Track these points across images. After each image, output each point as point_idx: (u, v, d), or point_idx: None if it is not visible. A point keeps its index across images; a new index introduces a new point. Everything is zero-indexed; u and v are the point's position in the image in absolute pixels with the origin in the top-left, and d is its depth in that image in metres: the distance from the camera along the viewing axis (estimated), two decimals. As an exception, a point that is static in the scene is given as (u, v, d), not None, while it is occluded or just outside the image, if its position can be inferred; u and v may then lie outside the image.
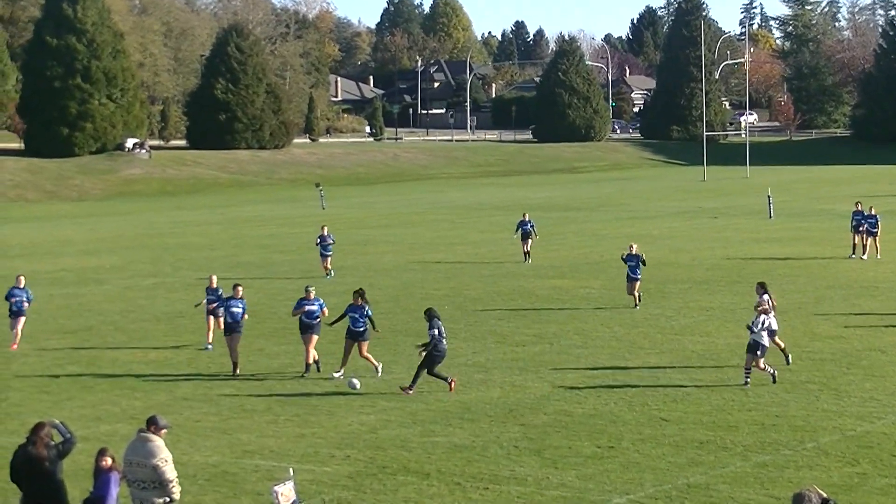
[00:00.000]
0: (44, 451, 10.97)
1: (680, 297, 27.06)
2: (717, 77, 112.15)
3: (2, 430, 16.19)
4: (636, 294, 25.39)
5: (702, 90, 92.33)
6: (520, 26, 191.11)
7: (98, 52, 74.34)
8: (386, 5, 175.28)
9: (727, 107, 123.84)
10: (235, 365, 19.32)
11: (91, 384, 18.93)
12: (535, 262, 33.86)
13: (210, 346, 21.37)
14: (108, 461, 10.77)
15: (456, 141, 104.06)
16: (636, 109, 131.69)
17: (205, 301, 21.83)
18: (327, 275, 30.62)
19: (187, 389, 18.47)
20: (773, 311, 18.88)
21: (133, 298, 27.60)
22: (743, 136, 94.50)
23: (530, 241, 33.61)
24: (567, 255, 35.47)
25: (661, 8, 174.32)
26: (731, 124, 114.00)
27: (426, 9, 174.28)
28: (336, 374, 18.81)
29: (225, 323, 19.90)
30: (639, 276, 25.32)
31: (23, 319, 21.86)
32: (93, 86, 73.94)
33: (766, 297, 19.16)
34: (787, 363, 19.16)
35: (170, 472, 10.81)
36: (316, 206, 56.37)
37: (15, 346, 21.70)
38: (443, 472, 13.90)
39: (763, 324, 18.07)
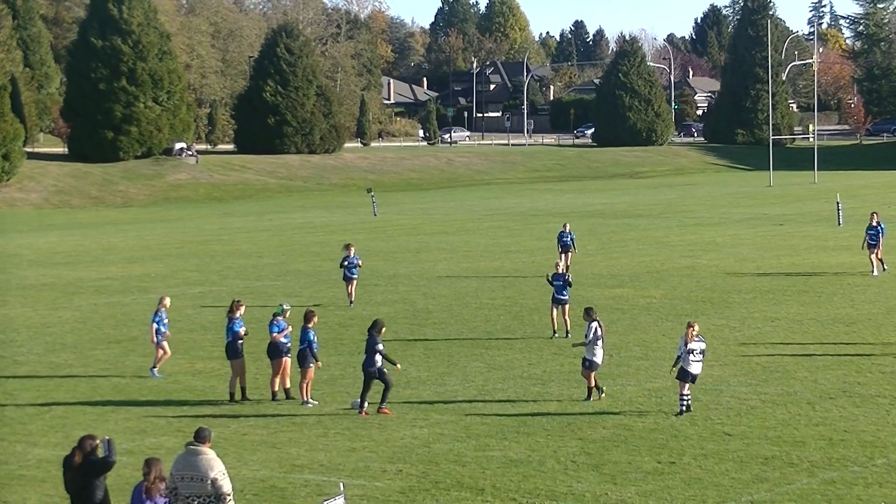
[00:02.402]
0: (78, 459, 10.98)
1: (744, 307, 26.42)
2: (784, 78, 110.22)
3: (45, 442, 16.20)
4: (566, 320, 22.78)
5: (768, 92, 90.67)
6: (579, 26, 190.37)
7: (144, 53, 73.49)
8: (440, 5, 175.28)
9: (794, 109, 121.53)
10: (244, 390, 18.08)
11: (136, 395, 18.88)
12: (594, 270, 33.32)
13: (157, 373, 19.93)
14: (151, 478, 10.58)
15: (512, 145, 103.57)
16: (700, 112, 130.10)
17: (156, 326, 19.75)
18: (350, 303, 27.29)
19: (235, 401, 18.24)
20: (601, 341, 17.61)
21: (179, 307, 27.35)
22: (811, 139, 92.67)
23: (570, 254, 31.75)
24: (627, 264, 34.89)
25: (727, 7, 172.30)
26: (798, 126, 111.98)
27: (482, 8, 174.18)
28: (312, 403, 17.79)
29: (228, 345, 18.16)
30: (566, 298, 22.82)
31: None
32: (138, 88, 73.06)
33: (594, 325, 17.68)
34: (599, 397, 17.69)
35: (227, 485, 10.70)
36: (368, 213, 56.30)
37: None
38: (498, 488, 13.66)
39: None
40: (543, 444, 15.43)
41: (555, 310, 23.00)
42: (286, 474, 14.42)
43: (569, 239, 31.92)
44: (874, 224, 31.08)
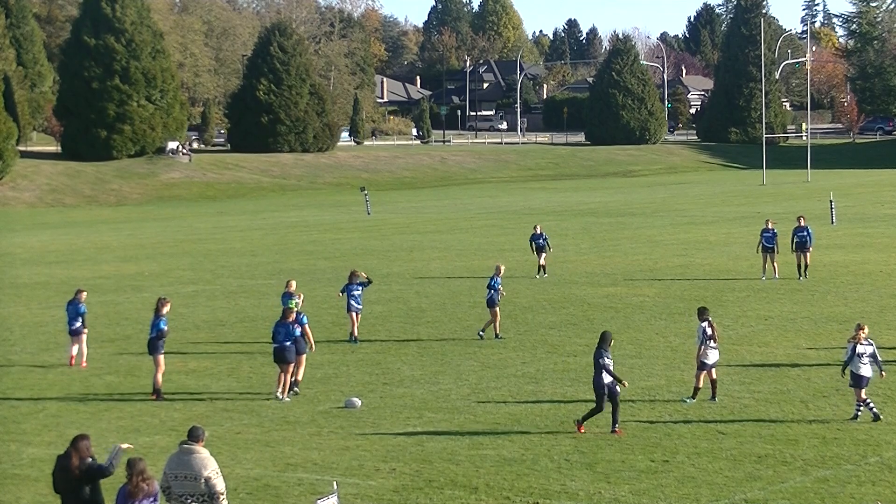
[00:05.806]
0: (76, 462, 10.92)
1: (738, 305, 26.47)
2: (777, 77, 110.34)
3: (39, 441, 16.16)
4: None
5: (761, 91, 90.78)
6: (572, 25, 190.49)
7: (137, 52, 73.48)
8: (434, 3, 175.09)
9: (788, 108, 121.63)
10: (159, 390, 18.24)
11: (129, 394, 18.89)
12: (588, 269, 33.35)
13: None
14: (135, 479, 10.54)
15: (506, 144, 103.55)
16: (693, 111, 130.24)
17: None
18: (354, 340, 22.78)
19: (228, 400, 18.34)
20: (711, 341, 17.26)
21: (173, 306, 27.01)
22: (804, 138, 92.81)
23: (545, 254, 31.80)
24: (621, 262, 34.93)
25: (720, 5, 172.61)
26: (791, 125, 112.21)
27: (475, 7, 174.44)
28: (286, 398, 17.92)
29: (150, 341, 18.66)
30: (360, 307, 22.74)
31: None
32: (132, 87, 72.99)
33: (703, 325, 17.41)
34: (712, 396, 17.50)
35: (220, 484, 10.71)
36: (361, 212, 56.30)
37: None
38: (491, 487, 13.67)
39: (860, 354, 16.35)
40: (537, 443, 15.43)
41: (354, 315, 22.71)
42: (280, 473, 14.41)
43: (543, 241, 31.96)
44: (796, 227, 30.98)
